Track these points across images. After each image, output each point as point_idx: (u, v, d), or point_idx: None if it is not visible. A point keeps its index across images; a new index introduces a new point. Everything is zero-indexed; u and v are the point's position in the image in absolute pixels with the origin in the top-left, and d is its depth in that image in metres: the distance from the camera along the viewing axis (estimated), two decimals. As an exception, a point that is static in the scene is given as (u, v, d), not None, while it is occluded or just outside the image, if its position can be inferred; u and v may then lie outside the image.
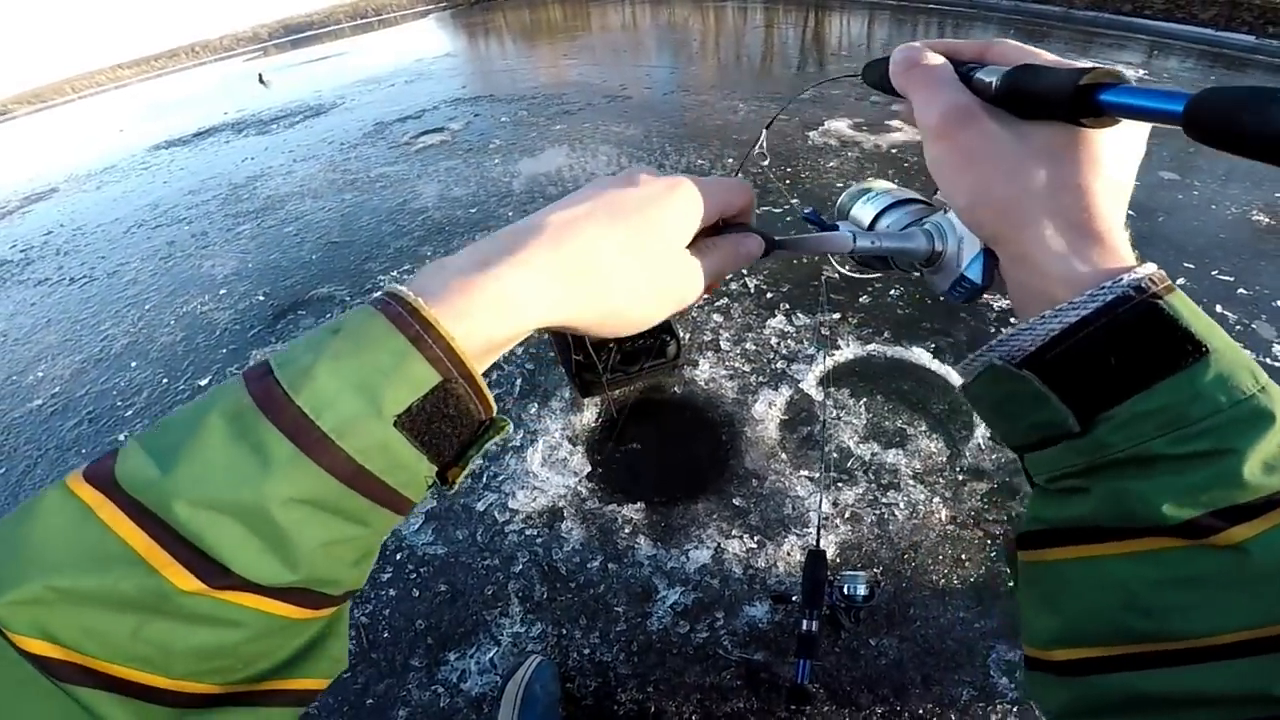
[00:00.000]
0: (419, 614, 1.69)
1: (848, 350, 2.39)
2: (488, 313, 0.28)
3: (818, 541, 1.46)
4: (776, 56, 7.63)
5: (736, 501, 1.86)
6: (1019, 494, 1.84)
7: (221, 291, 3.45)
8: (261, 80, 9.60)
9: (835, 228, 0.44)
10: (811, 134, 4.58)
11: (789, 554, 1.72)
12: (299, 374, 0.25)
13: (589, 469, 2.01)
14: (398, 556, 1.82)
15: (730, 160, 4.27)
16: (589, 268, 0.31)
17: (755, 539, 1.76)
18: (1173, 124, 0.26)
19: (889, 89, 0.39)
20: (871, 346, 2.40)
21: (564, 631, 1.62)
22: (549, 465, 2.03)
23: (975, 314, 2.50)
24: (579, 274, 0.30)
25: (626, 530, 1.84)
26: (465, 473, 0.31)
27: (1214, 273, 2.73)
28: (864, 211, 0.45)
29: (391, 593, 1.74)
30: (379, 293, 0.28)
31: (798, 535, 1.76)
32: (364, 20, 17.02)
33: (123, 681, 0.23)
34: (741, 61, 7.49)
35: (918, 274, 0.43)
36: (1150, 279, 0.27)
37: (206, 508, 0.23)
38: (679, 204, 0.34)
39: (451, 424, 0.28)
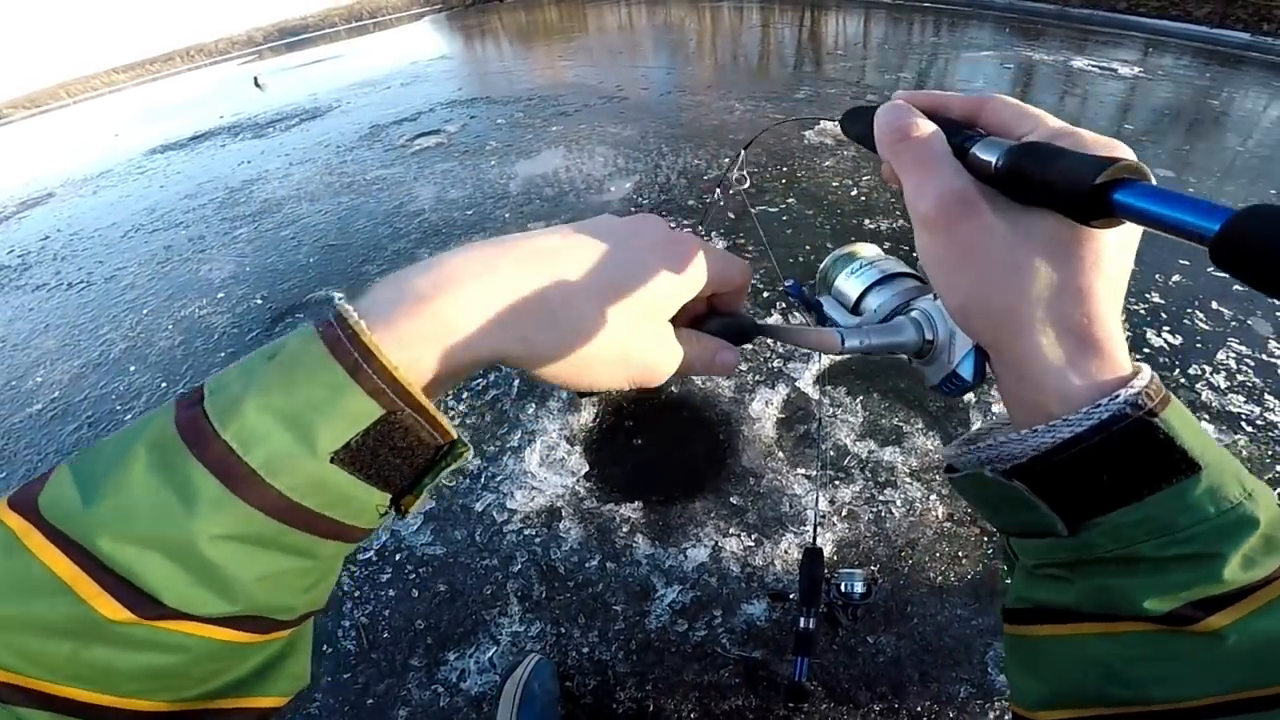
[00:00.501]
0: (419, 614, 1.69)
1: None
2: (439, 341, 0.26)
3: (815, 539, 1.46)
4: (773, 56, 7.65)
5: (734, 500, 1.87)
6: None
7: (219, 295, 3.46)
8: (257, 84, 9.60)
9: (818, 303, 0.44)
10: (807, 133, 4.57)
11: (786, 552, 1.73)
12: (228, 406, 0.24)
13: (586, 469, 2.01)
14: (397, 557, 1.83)
15: (725, 160, 4.27)
16: (564, 308, 0.28)
17: (753, 537, 1.77)
18: (1200, 244, 0.22)
19: (873, 146, 0.35)
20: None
21: (563, 630, 1.63)
22: (547, 465, 2.03)
23: None
24: (552, 312, 0.28)
25: (624, 529, 1.84)
26: (420, 501, 0.29)
27: (1209, 269, 2.74)
28: (850, 285, 0.42)
29: (391, 593, 1.74)
30: (331, 308, 0.26)
31: (795, 534, 1.77)
32: (359, 23, 17.06)
33: (64, 700, 0.23)
34: (738, 61, 7.51)
35: (908, 362, 0.40)
36: (1147, 393, 0.27)
37: (131, 542, 0.22)
38: (682, 267, 0.32)
39: (401, 455, 0.26)
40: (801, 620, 1.21)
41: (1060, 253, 0.28)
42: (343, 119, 6.55)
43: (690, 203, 3.75)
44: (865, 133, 0.35)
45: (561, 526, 1.86)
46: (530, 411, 2.24)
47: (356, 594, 1.75)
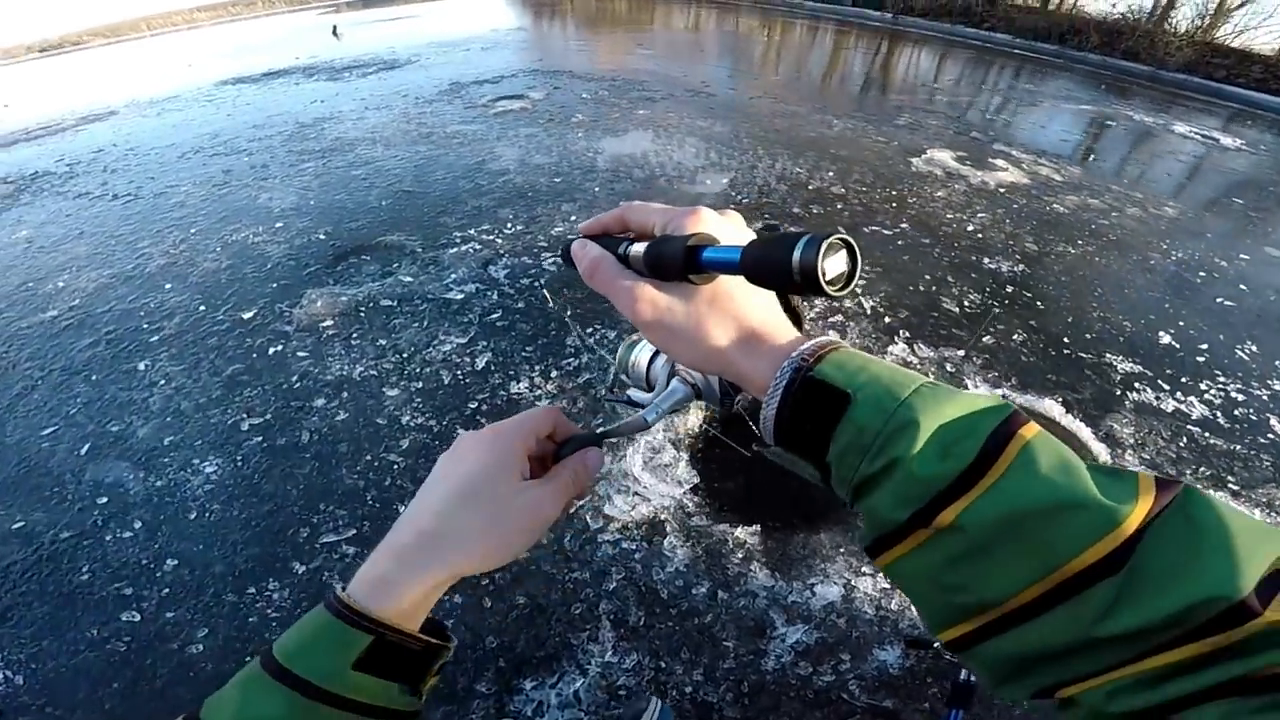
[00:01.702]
0: (489, 629, 1.37)
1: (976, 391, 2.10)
2: (401, 587, 0.38)
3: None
4: (859, 80, 7.39)
5: (870, 539, 1.54)
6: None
7: (278, 225, 3.17)
8: (335, 33, 9.49)
9: (627, 396, 0.54)
10: (914, 160, 4.38)
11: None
12: (288, 654, 0.36)
13: (696, 480, 1.70)
14: (465, 549, 1.51)
15: (830, 174, 3.99)
16: (450, 534, 0.40)
17: (889, 579, 1.44)
18: (736, 273, 0.34)
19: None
20: (1000, 391, 2.14)
21: (663, 665, 1.34)
22: (651, 470, 1.72)
23: (1101, 374, 2.31)
24: (446, 542, 0.40)
25: (739, 555, 1.53)
26: (429, 686, 0.40)
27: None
28: (641, 355, 0.54)
29: (457, 599, 1.43)
30: (331, 591, 0.39)
31: (948, 590, 1.43)
32: (438, -14, 16.98)
33: None
34: (826, 80, 7.25)
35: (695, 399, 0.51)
36: (804, 357, 0.35)
37: None
38: (486, 459, 0.42)
39: (397, 656, 0.38)
40: (963, 672, 1.16)
41: (713, 300, 0.39)
42: (421, 73, 6.33)
43: (795, 210, 3.45)
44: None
45: (666, 543, 1.54)
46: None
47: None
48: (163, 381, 2.14)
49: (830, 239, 0.29)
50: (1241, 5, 10.12)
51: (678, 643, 1.37)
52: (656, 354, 0.53)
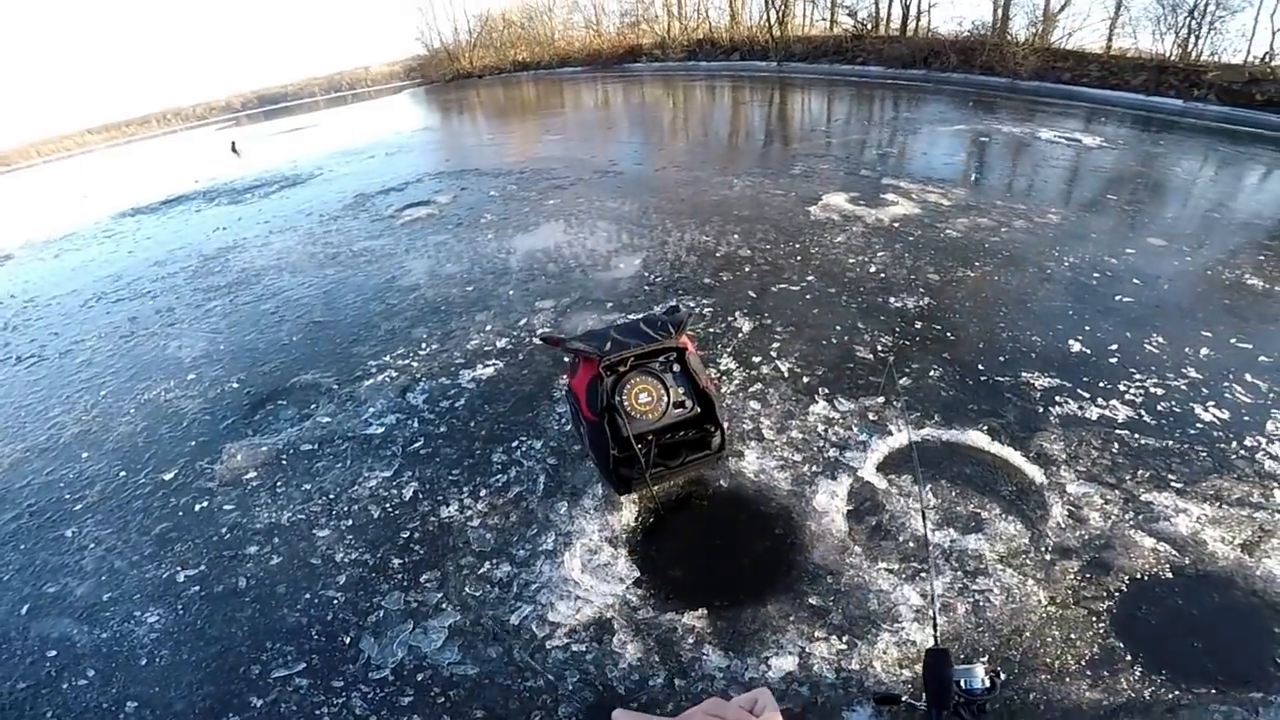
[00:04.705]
0: (451, 755, 1.39)
1: (900, 436, 2.16)
2: None
3: (936, 639, 1.30)
4: (756, 134, 7.87)
5: (813, 600, 1.63)
6: (1112, 569, 1.67)
7: (189, 376, 3.13)
8: (234, 149, 9.47)
9: None
10: (812, 209, 4.56)
11: (885, 652, 1.50)
12: None
13: (636, 574, 1.76)
14: (419, 678, 1.52)
15: (735, 236, 4.17)
16: None
17: (843, 639, 1.54)
18: None
19: None
20: (925, 431, 2.20)
21: None
22: (590, 571, 1.77)
23: (1020, 394, 2.37)
24: None
25: (690, 641, 1.59)
26: None
27: (1233, 340, 2.70)
28: None
29: (415, 719, 1.44)
30: None
31: (890, 631, 1.54)
32: (338, 93, 17.29)
33: None
34: (723, 139, 7.69)
35: None
36: None
37: None
38: None
39: None
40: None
41: None
42: (325, 187, 6.38)
43: (706, 280, 3.55)
44: None
45: (615, 641, 1.59)
46: (563, 511, 1.99)
47: (372, 722, 1.44)
48: (92, 545, 2.12)
49: None
50: (1063, 9, 11.58)
51: (640, 739, 1.42)
52: None
